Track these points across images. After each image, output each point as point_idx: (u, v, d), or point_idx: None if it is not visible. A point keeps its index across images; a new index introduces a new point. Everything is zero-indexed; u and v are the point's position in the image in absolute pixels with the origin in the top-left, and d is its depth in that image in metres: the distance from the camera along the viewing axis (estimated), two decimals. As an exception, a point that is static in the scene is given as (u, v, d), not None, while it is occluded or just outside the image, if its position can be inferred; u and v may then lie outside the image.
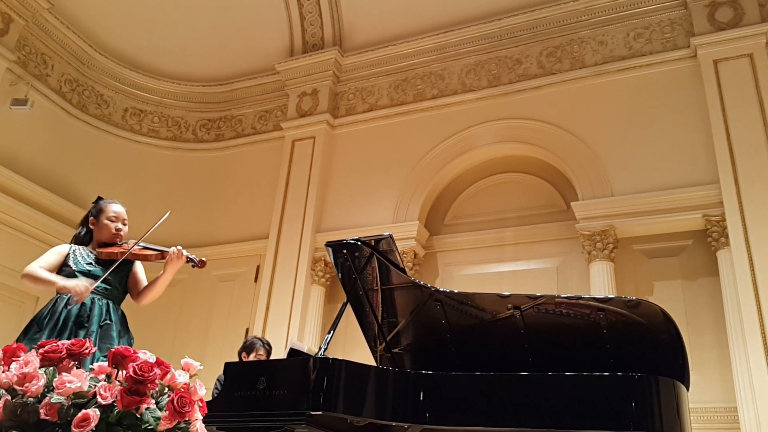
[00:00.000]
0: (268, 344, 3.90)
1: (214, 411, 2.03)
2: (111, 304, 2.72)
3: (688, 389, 2.63)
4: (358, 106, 6.59)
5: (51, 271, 2.73)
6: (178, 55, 7.13)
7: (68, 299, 2.62)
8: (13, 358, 1.72)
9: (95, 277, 2.70)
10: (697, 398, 3.92)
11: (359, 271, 3.00)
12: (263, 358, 3.75)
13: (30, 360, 1.68)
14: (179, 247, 2.82)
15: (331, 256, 3.05)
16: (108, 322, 2.65)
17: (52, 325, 2.56)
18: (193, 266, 2.85)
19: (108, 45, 6.95)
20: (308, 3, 6.78)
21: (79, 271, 2.72)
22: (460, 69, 6.24)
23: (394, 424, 2.59)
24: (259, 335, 5.71)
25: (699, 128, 5.05)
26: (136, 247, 2.81)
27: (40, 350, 1.75)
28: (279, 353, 5.19)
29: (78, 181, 6.59)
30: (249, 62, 7.11)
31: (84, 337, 2.45)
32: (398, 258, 2.97)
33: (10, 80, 6.03)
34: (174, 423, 1.65)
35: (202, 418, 1.76)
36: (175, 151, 7.20)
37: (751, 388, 4.15)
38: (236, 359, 3.82)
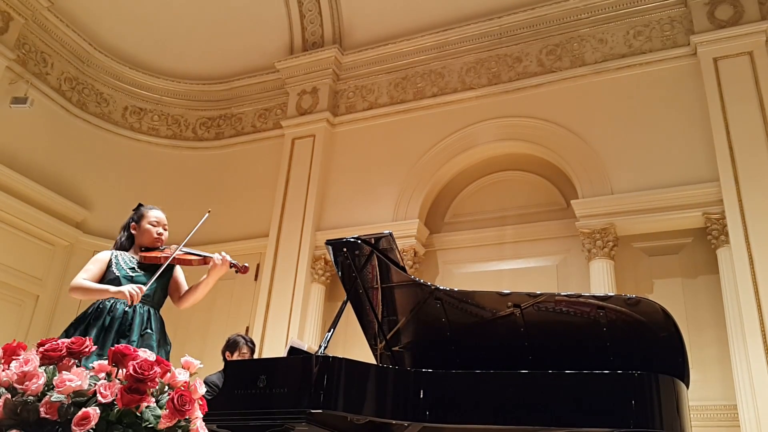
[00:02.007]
0: (251, 342, 3.88)
1: (214, 409, 2.03)
2: (152, 311, 2.76)
3: (688, 387, 2.64)
4: (358, 104, 6.59)
5: (95, 278, 2.77)
6: (178, 53, 7.13)
7: (111, 305, 2.64)
8: (13, 357, 1.72)
9: (138, 283, 2.73)
10: (697, 396, 3.92)
11: (359, 269, 3.00)
12: (247, 356, 3.73)
13: (30, 358, 1.68)
14: (224, 253, 2.87)
15: (331, 255, 3.05)
16: (148, 330, 2.69)
17: (97, 332, 2.59)
18: (236, 272, 2.91)
19: (107, 43, 6.94)
20: (308, 1, 6.77)
21: (123, 277, 2.76)
22: (460, 67, 6.23)
23: (394, 422, 2.59)
24: (259, 333, 5.73)
25: (699, 126, 5.05)
26: (178, 251, 2.84)
27: (40, 349, 1.75)
28: (279, 351, 5.20)
29: (78, 180, 6.59)
30: (249, 60, 7.10)
31: None
32: (398, 256, 2.97)
33: (10, 78, 6.02)
34: (174, 421, 1.65)
35: (202, 416, 1.76)
36: (175, 149, 7.19)
37: (750, 386, 4.15)
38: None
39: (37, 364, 1.68)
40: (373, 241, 2.93)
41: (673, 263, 4.93)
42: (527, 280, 5.20)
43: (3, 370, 1.68)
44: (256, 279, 6.19)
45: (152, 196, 6.34)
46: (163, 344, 2.76)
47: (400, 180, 5.98)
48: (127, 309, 2.63)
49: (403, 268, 2.98)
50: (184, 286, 2.95)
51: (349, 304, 3.06)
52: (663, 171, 5.02)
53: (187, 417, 1.67)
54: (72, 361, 1.74)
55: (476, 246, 5.69)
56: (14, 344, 1.79)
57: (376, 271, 3.03)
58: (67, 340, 1.79)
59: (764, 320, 4.25)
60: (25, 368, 1.65)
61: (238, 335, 3.90)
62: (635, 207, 5.00)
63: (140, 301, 2.73)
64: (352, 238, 2.96)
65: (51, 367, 1.70)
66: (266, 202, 6.47)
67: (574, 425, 2.49)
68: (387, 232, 2.94)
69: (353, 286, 3.06)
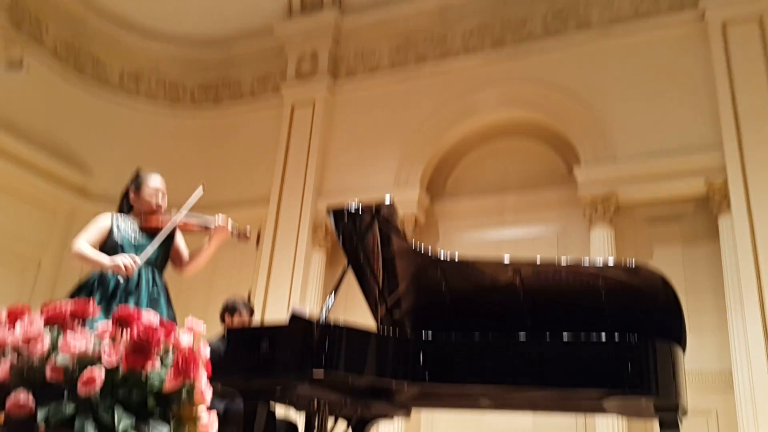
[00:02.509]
0: (250, 305, 3.91)
1: (218, 371, 2.06)
2: (156, 275, 2.80)
3: (684, 352, 2.67)
4: (358, 69, 6.50)
5: (95, 244, 2.78)
6: (174, 15, 6.99)
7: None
8: (18, 320, 1.73)
9: (141, 247, 2.75)
10: (693, 361, 3.95)
11: (360, 236, 3.01)
12: (246, 318, 3.76)
13: (34, 321, 1.69)
14: (224, 218, 2.87)
15: (332, 222, 3.05)
16: (156, 293, 2.72)
17: (102, 292, 2.60)
18: (238, 239, 2.91)
19: (102, 6, 6.81)
20: (307, -39, 6.62)
21: (126, 242, 2.78)
22: (463, 31, 6.12)
23: (394, 383, 2.64)
24: (261, 299, 5.78)
25: (705, 92, 5.00)
26: (180, 217, 2.84)
27: (44, 312, 1.76)
28: (281, 317, 5.25)
29: (76, 146, 6.56)
30: (246, 22, 6.96)
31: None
32: (399, 223, 2.97)
33: (5, 43, 5.93)
34: (179, 382, 1.67)
35: (206, 378, 1.78)
36: (173, 115, 7.13)
37: (746, 351, 4.20)
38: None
39: (42, 326, 1.70)
40: (374, 208, 2.92)
41: (673, 231, 4.94)
42: (527, 248, 5.22)
43: (8, 333, 1.69)
44: (257, 245, 6.21)
45: (151, 161, 6.31)
46: (171, 306, 2.80)
47: (402, 146, 5.95)
48: (121, 281, 2.63)
49: (403, 236, 2.98)
50: (185, 253, 2.98)
51: (350, 271, 3.08)
52: (667, 138, 4.99)
53: (191, 378, 1.69)
54: (76, 323, 1.76)
55: (477, 213, 5.69)
56: (18, 307, 1.80)
57: (377, 239, 3.04)
58: (70, 303, 1.80)
59: (762, 287, 4.28)
60: (30, 331, 1.67)
61: (236, 298, 3.91)
62: (638, 174, 4.99)
63: (145, 265, 2.75)
64: (354, 205, 2.96)
65: (55, 329, 1.72)
66: (266, 168, 6.45)
67: (570, 387, 2.54)
68: (388, 199, 2.93)
69: (354, 253, 3.07)
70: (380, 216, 2.93)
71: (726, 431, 4.27)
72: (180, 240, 3.00)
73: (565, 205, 5.36)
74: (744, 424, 4.08)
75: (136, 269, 2.64)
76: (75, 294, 2.67)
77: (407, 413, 3.16)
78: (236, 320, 3.73)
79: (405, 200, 5.56)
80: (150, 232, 2.83)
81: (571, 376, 2.51)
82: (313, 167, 6.17)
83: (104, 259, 2.68)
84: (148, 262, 2.78)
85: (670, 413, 2.43)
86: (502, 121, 5.84)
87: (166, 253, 2.90)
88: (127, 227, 2.85)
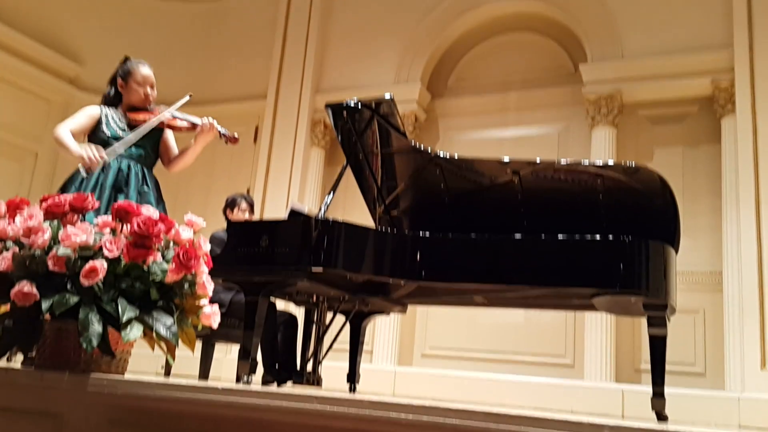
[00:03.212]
0: (250, 198, 3.97)
1: (218, 266, 2.10)
2: (146, 170, 2.77)
3: (677, 253, 2.71)
4: (358, -46, 6.11)
5: (81, 133, 2.74)
6: None
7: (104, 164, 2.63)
8: (17, 212, 1.74)
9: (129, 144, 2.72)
10: (685, 262, 4.05)
11: (359, 134, 2.96)
12: (246, 212, 3.82)
13: (34, 213, 1.70)
14: (212, 120, 2.82)
15: (331, 118, 2.99)
16: (145, 188, 2.71)
17: (92, 188, 2.60)
18: (225, 141, 2.87)
19: None
20: None
21: (113, 137, 2.73)
22: None
23: (391, 280, 2.70)
24: (260, 196, 5.81)
25: (721, -14, 4.75)
26: (168, 115, 2.81)
27: (43, 204, 1.76)
28: (280, 214, 5.30)
29: (67, 33, 6.32)
30: None
31: None
32: (399, 121, 2.92)
33: None
34: (181, 275, 1.71)
35: (207, 271, 1.82)
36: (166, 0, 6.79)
37: (738, 254, 4.29)
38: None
39: (41, 219, 1.70)
40: (373, 105, 2.86)
41: (675, 132, 4.90)
42: (528, 148, 5.18)
43: (8, 225, 1.70)
44: (255, 142, 6.15)
45: (144, 50, 6.07)
46: (162, 203, 2.80)
47: (403, 39, 5.72)
48: (84, 175, 2.60)
49: (403, 134, 2.94)
50: (174, 149, 2.95)
51: (348, 169, 3.06)
52: (676, 34, 4.82)
53: (192, 271, 1.73)
54: (76, 216, 1.77)
55: (479, 112, 5.59)
56: (17, 200, 1.80)
57: (377, 136, 2.99)
58: (69, 196, 1.80)
59: (760, 190, 4.30)
60: (30, 223, 1.68)
61: (236, 194, 3.96)
62: (644, 72, 4.86)
63: (134, 160, 2.73)
64: (353, 101, 2.89)
65: (55, 222, 1.73)
66: (263, 61, 6.23)
67: (563, 285, 2.61)
68: (388, 95, 2.86)
69: (353, 150, 3.04)
70: (380, 113, 2.87)
71: (712, 329, 4.45)
72: (170, 137, 2.95)
73: (568, 105, 5.26)
74: (730, 323, 4.25)
75: (99, 164, 2.59)
76: (64, 188, 2.67)
77: (403, 309, 3.27)
78: (237, 214, 3.78)
79: (405, 97, 5.42)
80: (137, 127, 2.78)
81: (564, 275, 2.57)
82: (311, 60, 5.97)
83: (73, 146, 2.63)
84: (138, 158, 2.74)
85: (658, 312, 2.51)
86: (508, 14, 5.58)
87: (155, 149, 2.86)
88: (115, 121, 2.79)
